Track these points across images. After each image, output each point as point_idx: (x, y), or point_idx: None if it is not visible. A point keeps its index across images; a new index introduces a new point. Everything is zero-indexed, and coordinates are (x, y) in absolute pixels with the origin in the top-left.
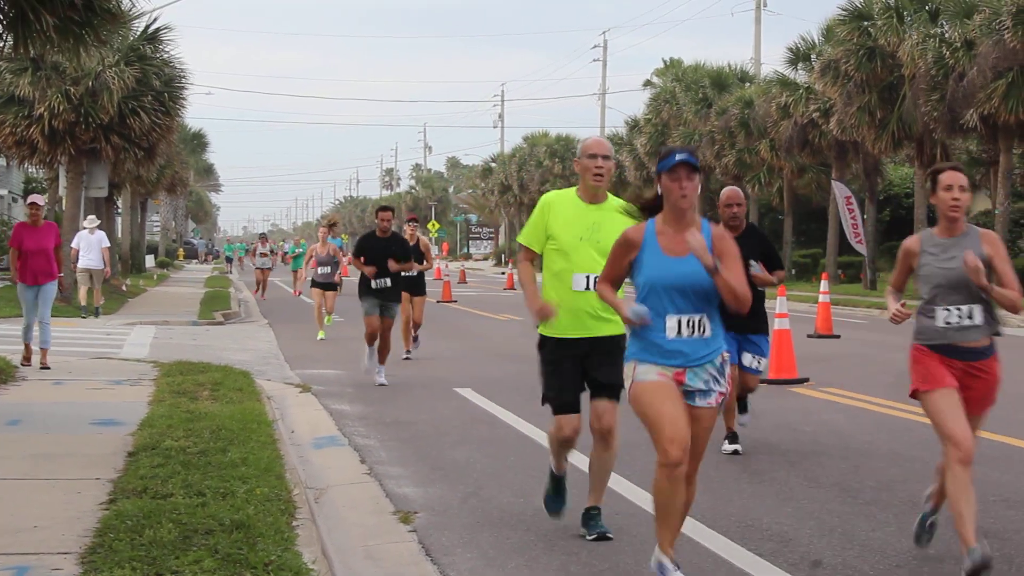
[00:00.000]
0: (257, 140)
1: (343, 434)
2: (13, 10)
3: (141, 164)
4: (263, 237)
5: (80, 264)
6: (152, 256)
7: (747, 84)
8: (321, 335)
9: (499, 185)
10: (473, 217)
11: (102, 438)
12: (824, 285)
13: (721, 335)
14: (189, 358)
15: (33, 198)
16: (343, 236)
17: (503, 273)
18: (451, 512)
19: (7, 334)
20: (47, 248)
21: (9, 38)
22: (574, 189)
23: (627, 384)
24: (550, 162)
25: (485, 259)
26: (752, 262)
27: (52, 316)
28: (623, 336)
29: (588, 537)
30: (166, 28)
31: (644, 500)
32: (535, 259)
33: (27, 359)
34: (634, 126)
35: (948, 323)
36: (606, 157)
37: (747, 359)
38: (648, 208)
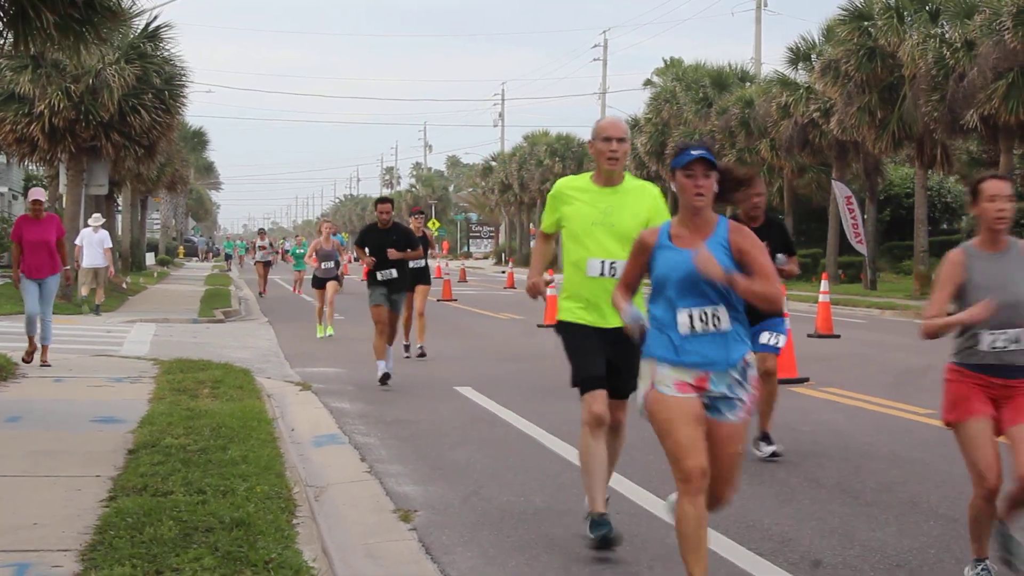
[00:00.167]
0: (257, 138)
1: (343, 432)
2: (13, 7)
3: (141, 162)
4: (261, 232)
5: (84, 263)
6: (152, 254)
7: (747, 84)
8: (320, 332)
9: (499, 184)
10: (473, 216)
11: (102, 435)
12: (824, 285)
13: (744, 334)
14: (189, 356)
15: (35, 193)
16: (343, 234)
17: (503, 272)
18: (451, 511)
19: (7, 331)
20: (49, 241)
21: (9, 35)
22: (589, 174)
23: (643, 385)
24: (550, 161)
25: (485, 258)
26: (779, 255)
27: (52, 313)
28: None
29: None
30: (166, 26)
31: (646, 500)
32: (549, 239)
33: (30, 355)
34: (634, 125)
35: (994, 347)
36: (621, 140)
37: (764, 337)
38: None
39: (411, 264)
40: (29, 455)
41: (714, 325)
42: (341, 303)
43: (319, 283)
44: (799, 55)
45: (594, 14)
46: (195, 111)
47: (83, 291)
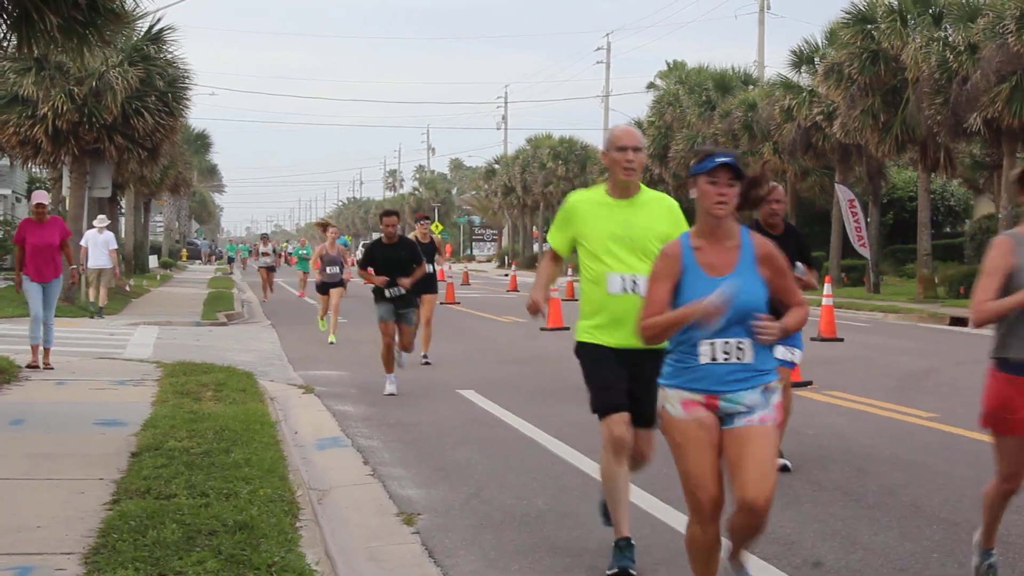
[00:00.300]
0: (261, 141)
1: (346, 435)
2: (17, 10)
3: (145, 164)
4: (264, 237)
5: (89, 264)
6: (155, 256)
7: (751, 87)
8: (323, 326)
9: (502, 187)
10: (476, 219)
11: (105, 438)
12: (827, 288)
13: (770, 362)
14: (192, 359)
15: (39, 196)
16: (347, 236)
17: (506, 275)
18: (454, 514)
19: (10, 334)
20: (52, 244)
21: (13, 38)
22: (602, 186)
23: (658, 406)
24: (553, 164)
25: (488, 261)
26: (797, 264)
27: (56, 316)
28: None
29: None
30: (170, 28)
31: (650, 505)
32: (559, 260)
33: (35, 362)
34: (638, 128)
35: None
36: (637, 149)
37: (779, 351)
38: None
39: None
40: (32, 457)
41: (737, 357)
42: (345, 306)
43: (323, 289)
44: (802, 58)
45: (597, 17)
46: (198, 113)
47: (91, 295)
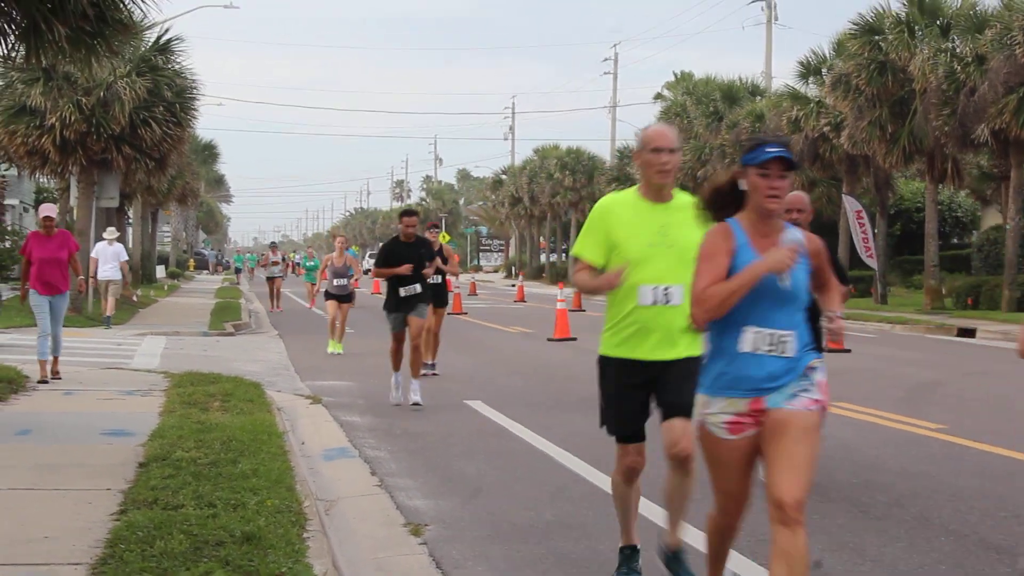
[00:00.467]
0: (268, 151)
1: (353, 446)
2: (25, 20)
3: (152, 175)
4: (273, 246)
5: (99, 276)
6: (163, 267)
7: (758, 97)
8: (332, 348)
9: (509, 197)
10: (483, 229)
11: (112, 448)
12: None
13: (807, 341)
14: (200, 369)
15: (46, 209)
16: (354, 247)
17: (513, 285)
18: (461, 525)
19: (18, 344)
20: (60, 258)
21: (21, 48)
22: (633, 189)
23: (695, 416)
24: (560, 174)
25: (495, 271)
26: None
27: (64, 326)
28: (699, 358)
29: None
30: (177, 39)
31: (653, 511)
32: (595, 272)
33: (44, 378)
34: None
35: None
36: (672, 150)
37: None
38: (720, 204)
39: (429, 280)
40: (39, 468)
41: (781, 351)
42: (353, 316)
43: (332, 297)
44: (809, 69)
45: (605, 28)
46: (206, 124)
47: (104, 307)
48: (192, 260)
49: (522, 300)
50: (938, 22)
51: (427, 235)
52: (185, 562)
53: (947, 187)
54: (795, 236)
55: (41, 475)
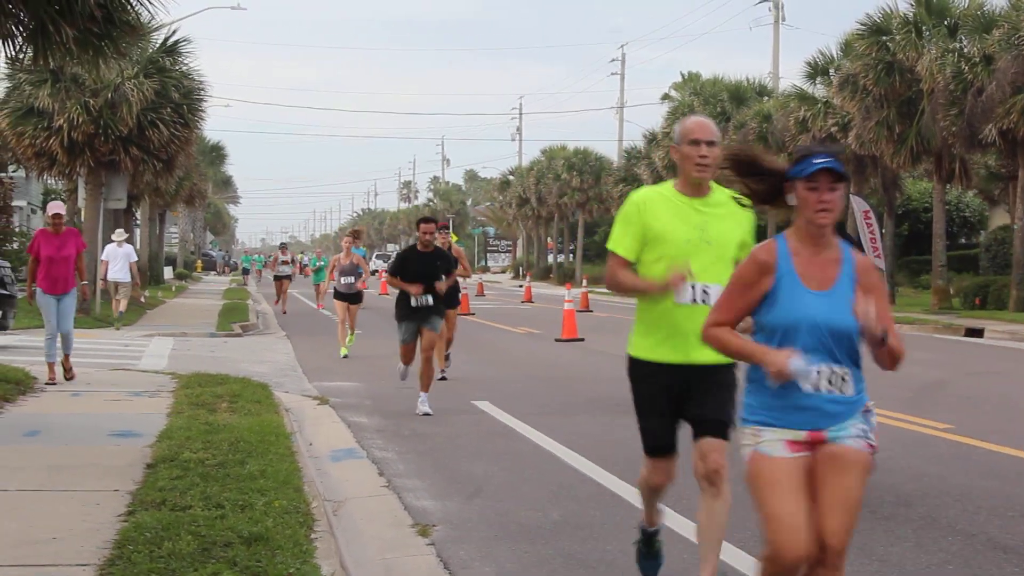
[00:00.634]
0: (275, 152)
1: (361, 447)
2: (33, 22)
3: (160, 176)
4: (283, 247)
5: (108, 277)
6: (170, 268)
7: (765, 98)
8: (344, 352)
9: (517, 198)
10: (491, 230)
11: (120, 450)
12: None
13: (862, 389)
14: (207, 370)
15: (55, 207)
16: (363, 247)
17: (520, 286)
18: (469, 525)
19: (26, 345)
20: (68, 256)
21: (29, 50)
22: (670, 183)
23: (744, 452)
24: (568, 175)
25: (503, 272)
26: None
27: (73, 327)
28: (734, 365)
29: None
30: (185, 40)
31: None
32: (630, 268)
33: (52, 379)
34: (652, 140)
35: None
36: (711, 143)
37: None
38: (765, 193)
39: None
40: (47, 469)
41: (840, 389)
42: (361, 318)
43: (341, 297)
44: (817, 69)
45: (612, 28)
46: (213, 125)
47: (116, 304)
48: (200, 261)
49: (529, 301)
50: (946, 22)
51: (437, 235)
52: (193, 563)
53: (955, 187)
54: (805, 369)
55: (49, 476)
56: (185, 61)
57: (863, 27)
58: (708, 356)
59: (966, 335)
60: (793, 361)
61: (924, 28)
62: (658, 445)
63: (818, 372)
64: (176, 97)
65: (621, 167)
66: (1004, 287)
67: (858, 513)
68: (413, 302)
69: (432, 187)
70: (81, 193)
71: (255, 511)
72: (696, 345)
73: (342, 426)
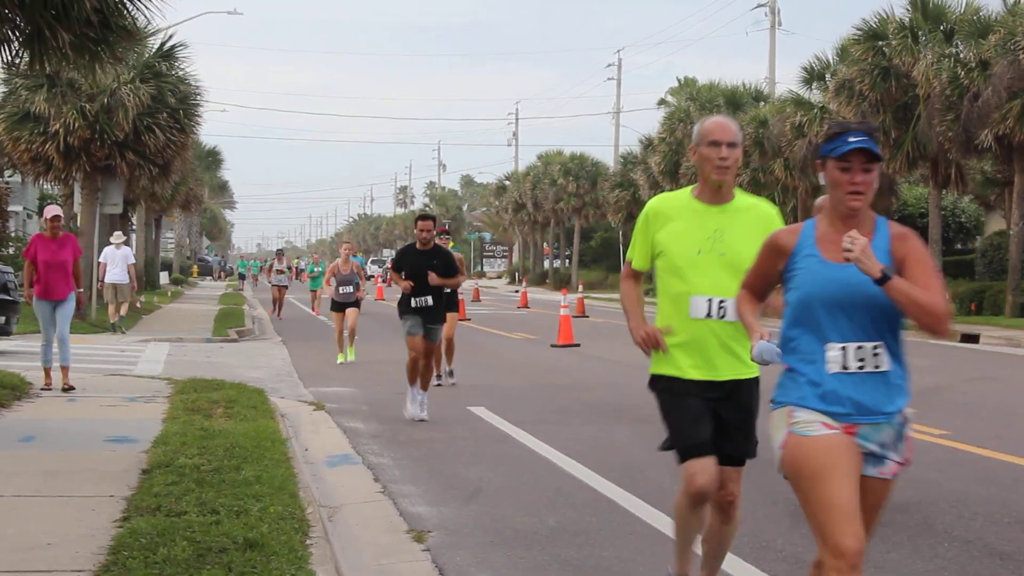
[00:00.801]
0: (271, 157)
1: (357, 452)
2: (30, 26)
3: (156, 181)
4: (280, 253)
5: (106, 279)
6: (166, 273)
7: (761, 103)
8: (341, 359)
9: (513, 203)
10: (487, 235)
11: (116, 455)
12: None
13: (906, 379)
14: (203, 375)
15: (53, 210)
16: (359, 253)
17: (516, 291)
18: (465, 531)
19: (22, 350)
20: (64, 261)
21: (25, 55)
22: (688, 189)
23: (777, 437)
24: (564, 180)
25: (499, 277)
26: None
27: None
28: (757, 380)
29: None
30: (181, 45)
31: (658, 521)
32: (639, 278)
33: (48, 385)
34: (648, 145)
35: None
36: (732, 144)
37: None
38: None
39: (447, 288)
40: (43, 475)
41: (873, 364)
42: (358, 323)
43: (338, 307)
44: (813, 74)
45: (608, 33)
46: (209, 130)
47: (111, 309)
48: (196, 266)
49: (525, 306)
50: (942, 27)
51: (437, 240)
52: (188, 569)
53: (951, 192)
54: (766, 351)
55: (45, 482)
56: (181, 66)
57: (859, 32)
58: (729, 372)
59: (962, 341)
60: (758, 343)
61: (920, 33)
62: (695, 442)
63: (843, 351)
64: (172, 102)
65: (617, 172)
66: (1000, 293)
67: (874, 524)
68: (413, 303)
69: (428, 192)
70: (77, 198)
71: (250, 517)
72: (720, 359)
73: (338, 432)
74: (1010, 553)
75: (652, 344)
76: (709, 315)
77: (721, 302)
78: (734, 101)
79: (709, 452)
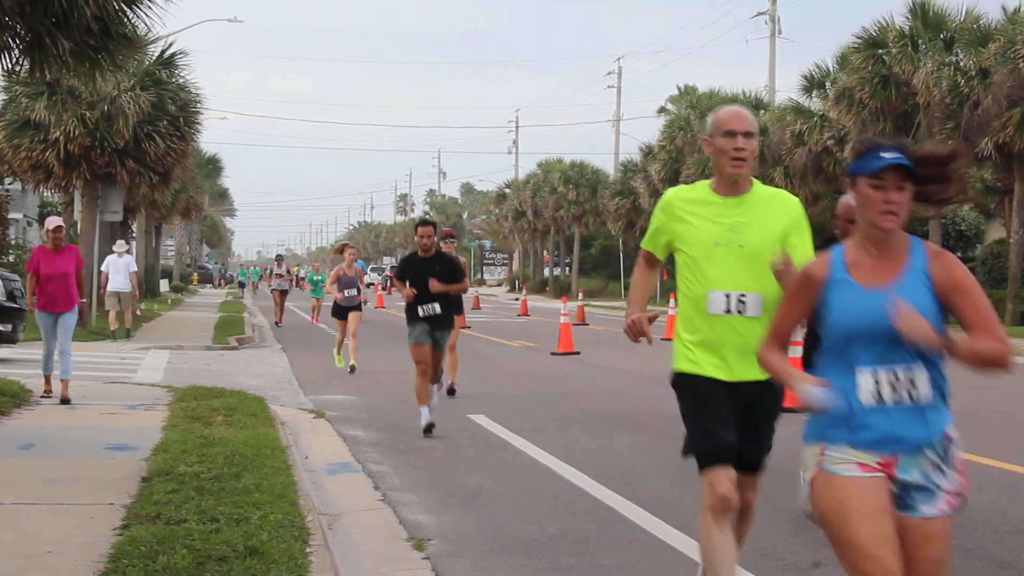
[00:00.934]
0: (271, 165)
1: (357, 460)
2: (30, 34)
3: (156, 189)
4: (279, 259)
5: (109, 287)
6: (166, 280)
7: (761, 111)
8: (340, 362)
9: (513, 211)
10: (487, 243)
11: (116, 463)
12: None
13: (945, 400)
14: (203, 383)
15: (54, 221)
16: (360, 259)
17: (517, 299)
18: (465, 539)
19: (22, 358)
20: (67, 273)
21: (25, 62)
22: (705, 183)
23: (806, 475)
24: (564, 188)
25: (499, 285)
26: None
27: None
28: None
29: None
30: (181, 53)
31: (657, 528)
32: (656, 265)
33: (48, 392)
34: (648, 153)
35: None
36: (748, 134)
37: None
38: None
39: (452, 294)
40: (42, 482)
41: (909, 394)
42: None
43: (341, 312)
44: (813, 82)
45: (608, 41)
46: (210, 138)
47: (111, 316)
48: (196, 274)
49: (525, 314)
50: (942, 36)
51: (442, 245)
52: None
53: None
54: (822, 398)
55: (44, 489)
56: (182, 73)
57: (859, 40)
58: (750, 373)
59: None
60: (808, 391)
61: (920, 41)
62: (717, 446)
63: (876, 380)
64: (172, 110)
65: (617, 180)
66: (1000, 301)
67: (945, 572)
68: (421, 312)
69: (428, 200)
70: (77, 206)
71: (250, 525)
72: (734, 360)
73: (338, 439)
74: (1010, 561)
75: (636, 332)
76: (728, 311)
77: (741, 296)
78: None
79: (732, 460)
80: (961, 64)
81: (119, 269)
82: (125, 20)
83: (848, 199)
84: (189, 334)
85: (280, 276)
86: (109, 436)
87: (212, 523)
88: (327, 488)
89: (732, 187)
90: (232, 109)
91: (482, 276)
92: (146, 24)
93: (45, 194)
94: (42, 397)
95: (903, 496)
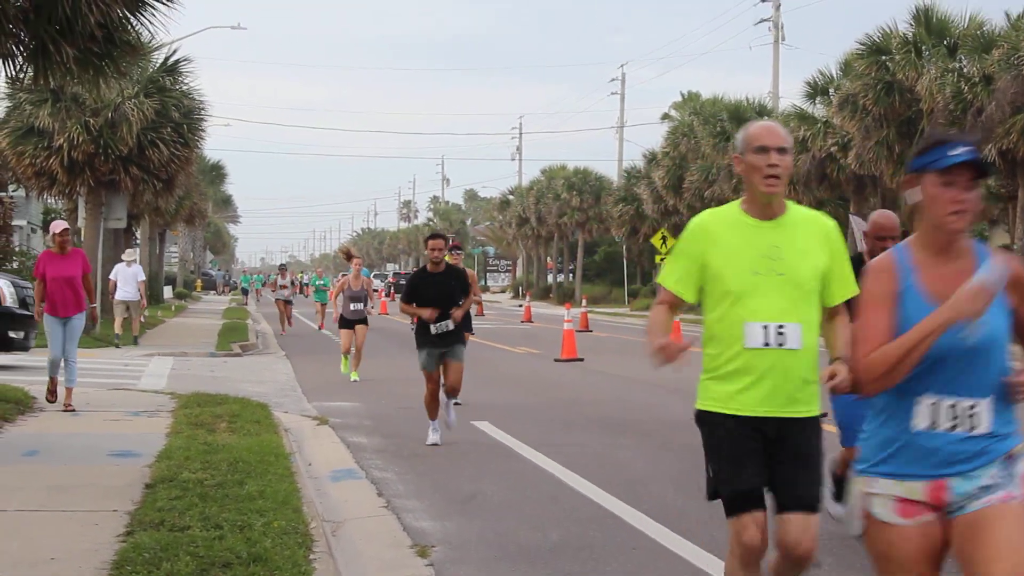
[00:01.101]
0: (275, 172)
1: (360, 467)
2: (34, 41)
3: (160, 195)
4: (283, 268)
5: (117, 296)
6: (170, 287)
7: (765, 117)
8: (345, 369)
9: (517, 218)
10: (491, 249)
11: (119, 470)
12: None
13: (1013, 427)
14: (207, 390)
15: (60, 225)
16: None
17: (520, 306)
18: (468, 546)
19: (26, 365)
20: (74, 277)
21: (29, 69)
22: (735, 204)
23: (855, 505)
24: (568, 195)
25: (503, 291)
26: None
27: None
28: (819, 418)
29: None
30: (185, 60)
31: (659, 534)
32: (677, 307)
33: (52, 393)
34: (652, 159)
35: None
36: (782, 150)
37: None
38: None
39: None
40: (46, 489)
41: (970, 427)
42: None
43: (347, 324)
44: (817, 89)
45: (612, 48)
46: (213, 144)
47: (117, 322)
48: (199, 281)
49: (529, 320)
50: (945, 42)
51: (448, 257)
52: None
53: None
54: (995, 265)
55: (48, 496)
56: (185, 80)
57: (863, 47)
58: (789, 409)
59: None
60: (977, 280)
61: (924, 48)
62: (741, 490)
63: (934, 405)
64: (176, 117)
65: (621, 187)
66: None
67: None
68: (433, 329)
69: (432, 207)
70: (81, 212)
71: (254, 531)
72: (773, 396)
73: (341, 446)
74: None
75: (672, 351)
76: (767, 343)
77: (780, 328)
78: (738, 116)
79: (761, 506)
80: (965, 70)
81: (128, 279)
82: (129, 27)
83: (881, 213)
84: (193, 341)
85: (284, 286)
86: (113, 443)
87: (216, 530)
88: (331, 495)
89: (766, 209)
90: (236, 116)
91: (486, 283)
92: (150, 31)
93: (49, 201)
94: (47, 400)
95: (959, 505)
